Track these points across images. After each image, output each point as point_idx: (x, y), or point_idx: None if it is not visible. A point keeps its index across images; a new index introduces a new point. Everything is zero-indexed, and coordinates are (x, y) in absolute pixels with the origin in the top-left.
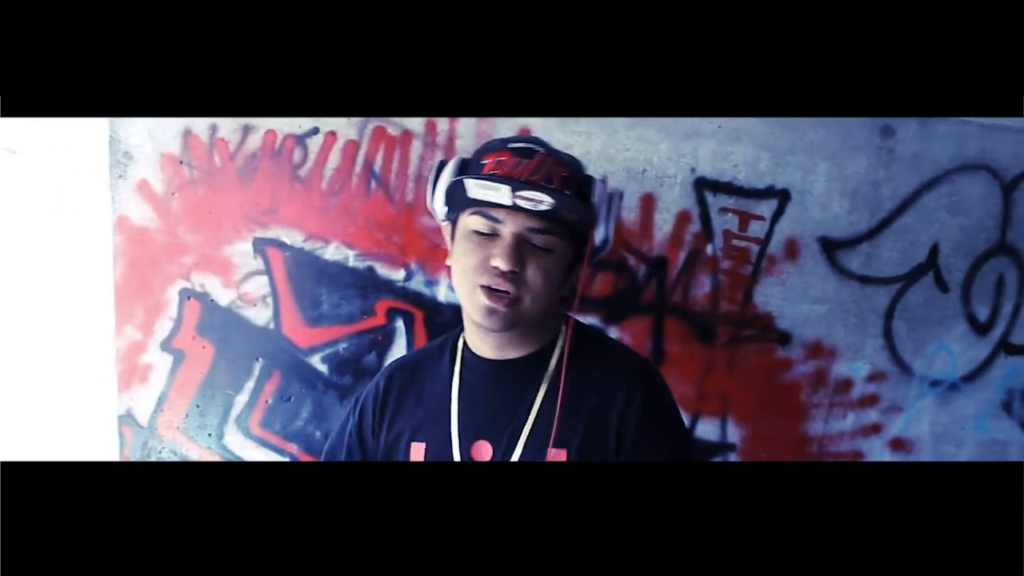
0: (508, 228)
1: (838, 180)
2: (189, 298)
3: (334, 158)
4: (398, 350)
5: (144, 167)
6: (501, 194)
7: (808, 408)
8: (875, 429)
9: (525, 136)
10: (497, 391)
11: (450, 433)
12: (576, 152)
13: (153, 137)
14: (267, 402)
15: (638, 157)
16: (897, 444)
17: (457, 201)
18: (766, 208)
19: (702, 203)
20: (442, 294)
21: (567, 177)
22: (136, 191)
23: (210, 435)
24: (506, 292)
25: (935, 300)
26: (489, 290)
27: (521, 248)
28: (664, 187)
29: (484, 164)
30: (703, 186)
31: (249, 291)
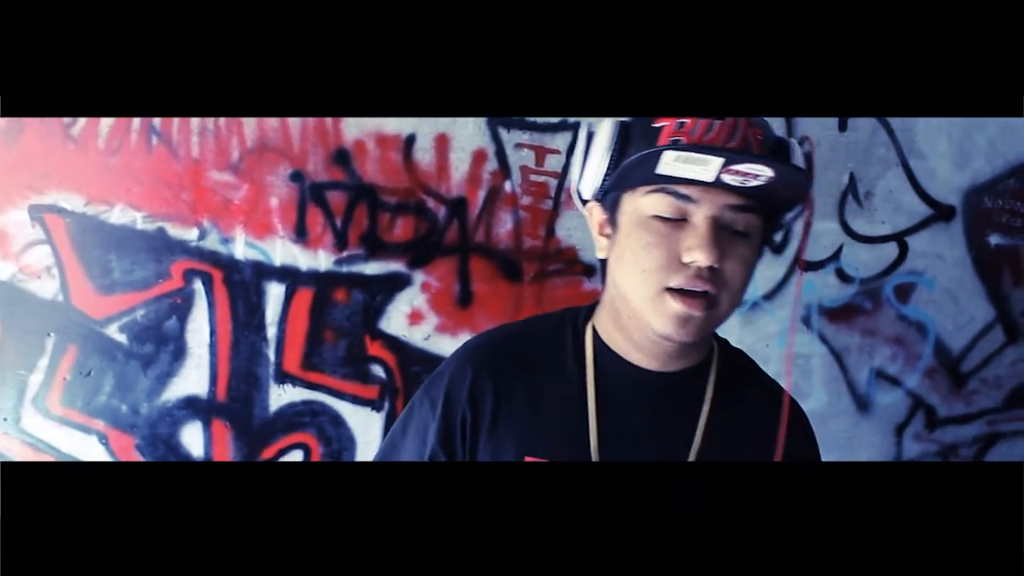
0: (703, 211)
1: None
2: None
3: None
4: (200, 312)
5: None
6: (706, 169)
7: None
8: None
9: None
10: (651, 409)
11: (585, 452)
12: None
13: None
14: (65, 379)
15: None
16: None
17: (629, 178)
18: (561, 142)
19: (497, 140)
20: (239, 251)
21: (763, 141)
22: None
23: (5, 420)
24: (704, 292)
25: None
26: (682, 292)
27: (720, 235)
28: (456, 126)
29: (659, 128)
30: (496, 123)
31: (30, 263)
